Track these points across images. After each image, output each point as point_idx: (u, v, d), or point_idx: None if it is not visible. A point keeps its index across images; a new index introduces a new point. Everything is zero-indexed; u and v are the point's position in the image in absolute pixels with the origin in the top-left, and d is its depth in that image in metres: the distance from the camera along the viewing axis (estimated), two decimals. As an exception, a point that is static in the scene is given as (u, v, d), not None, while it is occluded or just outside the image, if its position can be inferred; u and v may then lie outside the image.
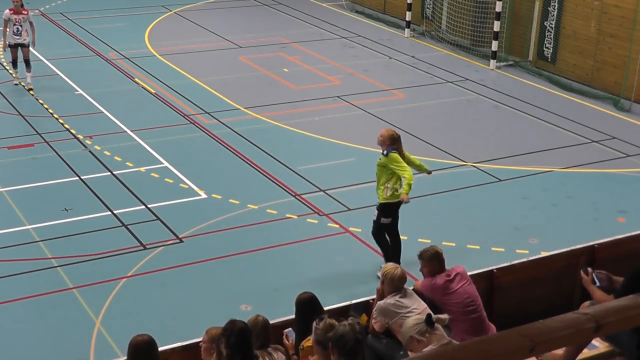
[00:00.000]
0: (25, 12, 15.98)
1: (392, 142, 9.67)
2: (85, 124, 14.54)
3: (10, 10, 15.88)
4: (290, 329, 6.66)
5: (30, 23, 16.07)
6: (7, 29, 15.99)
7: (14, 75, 16.44)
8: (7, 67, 17.34)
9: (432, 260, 7.16)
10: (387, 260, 9.71)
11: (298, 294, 6.75)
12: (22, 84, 16.22)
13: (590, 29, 17.57)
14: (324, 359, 5.62)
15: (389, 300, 6.77)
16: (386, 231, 9.96)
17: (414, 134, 14.63)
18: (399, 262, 9.57)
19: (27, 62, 16.09)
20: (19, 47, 16.03)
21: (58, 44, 19.06)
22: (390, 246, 9.99)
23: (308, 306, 6.54)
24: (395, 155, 9.56)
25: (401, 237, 10.16)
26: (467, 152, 13.96)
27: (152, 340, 6.00)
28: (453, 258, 8.78)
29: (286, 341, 6.54)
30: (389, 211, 9.84)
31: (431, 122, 15.43)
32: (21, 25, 15.86)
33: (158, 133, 14.31)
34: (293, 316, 6.76)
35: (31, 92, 15.96)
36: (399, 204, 9.81)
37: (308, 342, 6.17)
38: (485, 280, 7.62)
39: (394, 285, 6.81)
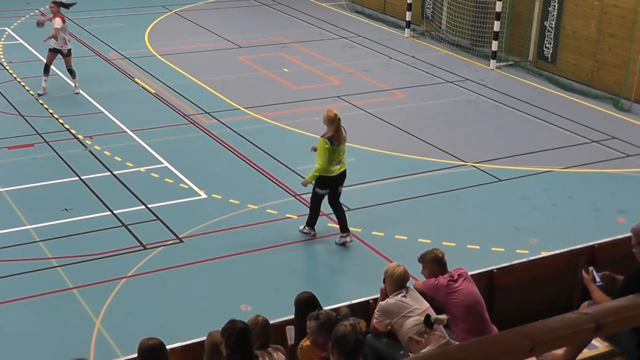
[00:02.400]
0: (58, 18, 15.53)
1: (330, 124, 10.44)
2: (85, 124, 14.55)
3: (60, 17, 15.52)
4: (292, 326, 6.64)
5: (55, 29, 15.68)
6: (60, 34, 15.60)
7: (44, 81, 15.82)
8: (10, 70, 17.34)
9: (432, 263, 7.16)
10: (311, 224, 10.86)
11: (298, 294, 6.75)
12: (40, 93, 15.77)
13: (590, 29, 17.57)
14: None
15: (391, 300, 6.77)
16: (330, 203, 10.71)
17: (414, 134, 14.64)
18: (346, 226, 10.70)
19: (70, 72, 15.90)
20: (58, 54, 15.74)
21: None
22: (338, 215, 10.77)
23: (308, 306, 6.54)
24: (321, 142, 10.39)
25: (401, 237, 10.20)
26: (467, 152, 13.96)
27: (162, 344, 5.93)
28: (453, 258, 8.77)
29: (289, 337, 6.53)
30: (324, 183, 10.55)
31: (431, 122, 15.43)
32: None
33: (158, 133, 14.31)
34: (293, 316, 6.75)
35: (78, 94, 15.93)
36: (335, 179, 10.55)
37: (307, 341, 6.17)
38: (485, 280, 7.62)
39: (396, 283, 6.81)
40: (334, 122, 10.42)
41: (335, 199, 10.74)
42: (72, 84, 16.15)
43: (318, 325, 5.83)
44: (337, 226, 10.80)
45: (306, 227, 10.96)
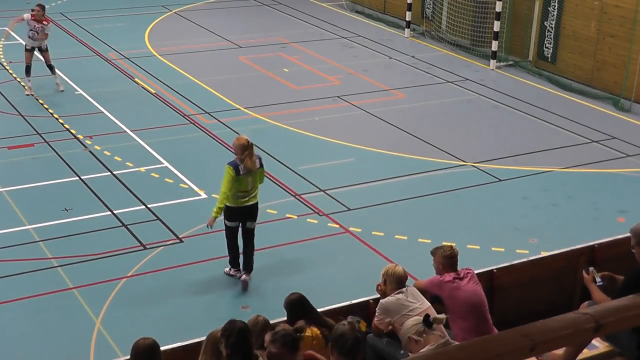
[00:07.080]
0: (46, 23, 15.66)
1: (239, 153, 9.32)
2: (85, 124, 14.54)
3: (31, 15, 15.59)
4: None
5: (46, 34, 15.66)
6: (17, 25, 15.90)
7: (26, 85, 15.93)
8: (10, 70, 17.34)
9: (439, 257, 7.22)
10: (232, 263, 9.77)
11: (287, 296, 6.74)
12: (33, 93, 15.80)
13: (590, 29, 17.57)
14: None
15: (391, 298, 6.79)
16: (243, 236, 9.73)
17: (414, 134, 14.64)
18: (249, 268, 9.70)
19: (50, 68, 15.93)
20: (36, 51, 15.76)
21: (58, 44, 19.04)
22: (244, 251, 9.79)
23: (297, 306, 6.55)
24: (226, 170, 9.28)
25: (401, 237, 10.17)
26: (467, 152, 13.96)
27: (155, 344, 5.92)
28: (453, 258, 8.78)
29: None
30: (229, 215, 9.57)
31: (431, 122, 15.43)
32: (37, 32, 15.54)
33: (158, 133, 14.31)
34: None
35: (62, 91, 16.04)
36: (242, 210, 9.53)
37: (306, 332, 6.22)
38: (485, 280, 7.61)
39: (396, 282, 6.84)
40: (245, 150, 9.32)
41: (248, 235, 9.72)
42: (56, 81, 16.16)
43: (272, 335, 5.75)
44: (337, 225, 10.78)
45: (231, 269, 9.93)
